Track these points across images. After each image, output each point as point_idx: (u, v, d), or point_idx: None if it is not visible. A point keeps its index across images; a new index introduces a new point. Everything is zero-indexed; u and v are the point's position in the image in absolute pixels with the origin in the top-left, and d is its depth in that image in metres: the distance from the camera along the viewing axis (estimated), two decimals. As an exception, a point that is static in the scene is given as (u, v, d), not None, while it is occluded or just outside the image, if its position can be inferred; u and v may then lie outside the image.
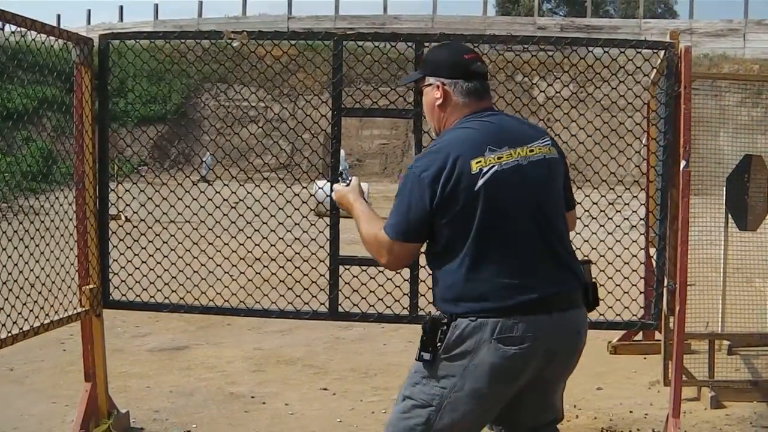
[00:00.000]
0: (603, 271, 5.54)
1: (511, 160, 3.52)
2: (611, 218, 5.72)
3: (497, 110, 3.84)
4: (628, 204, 5.89)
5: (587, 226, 5.58)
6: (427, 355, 3.51)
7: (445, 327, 3.48)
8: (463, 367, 3.45)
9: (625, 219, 5.90)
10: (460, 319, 3.45)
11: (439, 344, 3.48)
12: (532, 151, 3.60)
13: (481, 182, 3.45)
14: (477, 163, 3.47)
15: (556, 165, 3.71)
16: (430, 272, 3.73)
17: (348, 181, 4.00)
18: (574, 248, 3.81)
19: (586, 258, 3.86)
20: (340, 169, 4.22)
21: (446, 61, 3.74)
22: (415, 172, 3.54)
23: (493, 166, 3.48)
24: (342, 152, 5.51)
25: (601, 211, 5.72)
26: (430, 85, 3.76)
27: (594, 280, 3.76)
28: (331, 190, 4.28)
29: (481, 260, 3.47)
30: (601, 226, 5.65)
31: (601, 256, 5.57)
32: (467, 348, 3.43)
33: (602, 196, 5.78)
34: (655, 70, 6.25)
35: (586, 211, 5.58)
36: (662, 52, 5.54)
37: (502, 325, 3.40)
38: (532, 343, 3.42)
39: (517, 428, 3.82)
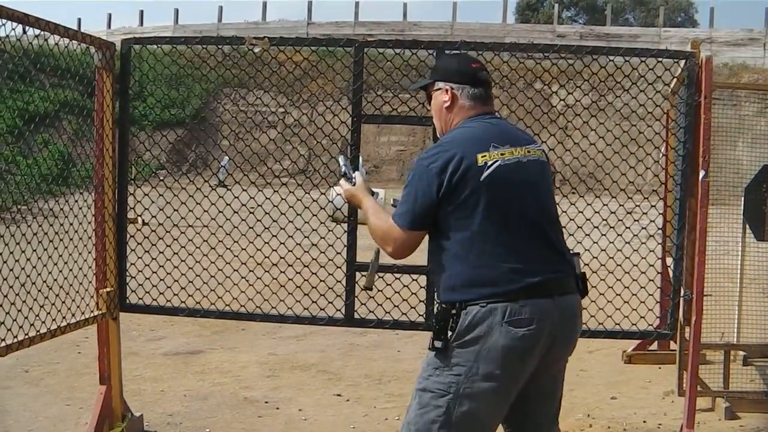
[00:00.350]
0: (620, 280, 5.54)
1: (513, 157, 3.79)
2: (629, 227, 5.71)
3: (498, 115, 4.08)
4: (646, 213, 5.88)
5: (605, 234, 5.58)
6: (439, 343, 3.66)
7: (455, 315, 3.64)
8: (476, 352, 3.60)
9: (642, 228, 5.89)
10: (470, 306, 3.62)
11: (450, 332, 3.64)
12: (529, 152, 3.87)
13: (486, 173, 3.69)
14: (482, 156, 3.72)
15: (547, 168, 4.01)
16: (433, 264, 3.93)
17: (353, 180, 4.26)
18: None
19: (575, 252, 4.02)
20: (343, 170, 4.38)
21: (455, 69, 4.05)
22: (423, 163, 3.77)
23: (497, 161, 3.73)
24: (359, 158, 5.52)
25: (619, 220, 5.72)
26: (439, 89, 4.03)
27: (583, 271, 3.94)
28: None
29: (488, 246, 3.68)
30: (618, 235, 5.64)
31: (618, 265, 5.57)
32: (479, 333, 3.60)
33: (620, 204, 5.78)
34: (675, 80, 6.23)
35: (603, 219, 5.58)
36: (683, 62, 5.53)
37: (511, 309, 3.59)
38: (539, 324, 3.62)
39: (526, 420, 3.96)
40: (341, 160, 4.55)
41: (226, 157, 23.20)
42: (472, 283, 3.66)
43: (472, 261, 3.68)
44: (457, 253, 3.72)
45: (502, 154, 3.76)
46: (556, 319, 3.69)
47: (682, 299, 5.43)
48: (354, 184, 4.26)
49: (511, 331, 3.58)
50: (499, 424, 3.82)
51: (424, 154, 3.85)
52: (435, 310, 3.83)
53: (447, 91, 3.99)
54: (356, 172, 4.30)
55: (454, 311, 3.65)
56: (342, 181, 4.32)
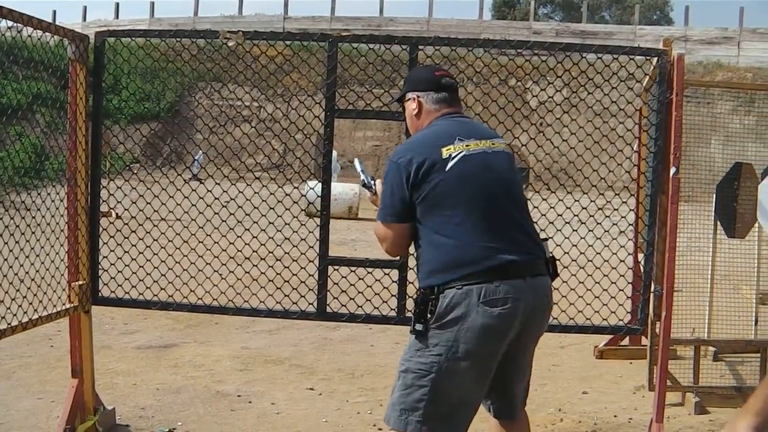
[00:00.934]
0: (591, 275, 5.58)
1: (478, 149, 4.05)
2: (600, 223, 5.75)
3: (465, 115, 4.35)
4: (617, 209, 5.92)
5: (576, 230, 5.62)
6: (419, 326, 3.87)
7: (434, 299, 3.85)
8: (455, 332, 3.82)
9: (614, 224, 5.93)
10: (447, 290, 3.85)
11: (429, 315, 3.86)
12: (494, 144, 4.13)
13: (451, 164, 3.95)
14: (447, 149, 3.99)
15: (512, 159, 4.25)
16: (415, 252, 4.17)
17: (374, 188, 4.57)
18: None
19: (545, 237, 4.28)
20: (362, 177, 4.67)
21: (420, 78, 4.37)
22: (393, 160, 4.08)
23: (461, 152, 3.99)
24: (334, 153, 5.56)
25: (591, 215, 5.74)
26: (409, 99, 4.35)
27: (552, 255, 4.16)
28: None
29: (460, 230, 3.91)
30: (589, 230, 5.67)
31: (589, 260, 5.60)
32: (457, 314, 3.82)
33: (592, 201, 5.81)
34: (647, 77, 6.27)
35: (575, 215, 5.61)
36: (655, 59, 5.56)
37: (486, 290, 3.81)
38: (514, 303, 3.84)
39: (504, 397, 4.25)
40: (357, 165, 4.97)
41: (200, 151, 23.20)
42: (448, 265, 3.87)
43: (446, 245, 3.90)
44: (432, 240, 3.96)
45: (467, 146, 4.02)
46: (530, 299, 3.91)
47: (652, 295, 5.46)
48: (375, 192, 4.55)
49: (487, 310, 3.79)
50: (482, 397, 4.08)
51: (394, 152, 4.14)
52: (415, 296, 4.01)
53: (414, 99, 4.29)
54: (377, 181, 4.53)
55: (432, 296, 3.86)
56: (364, 191, 4.64)
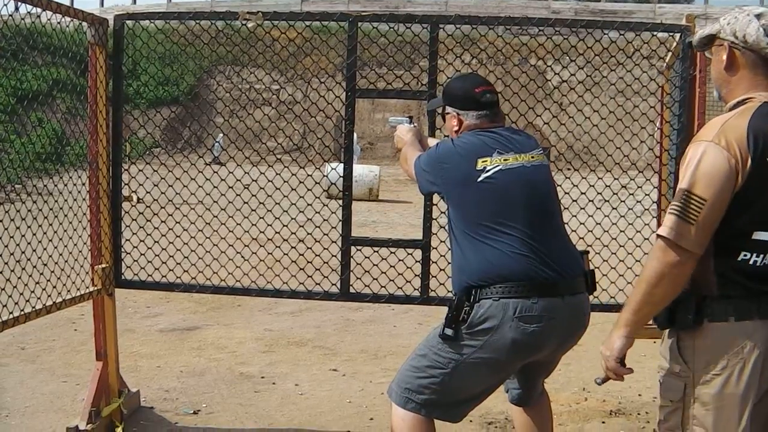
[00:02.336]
0: (614, 253, 5.55)
1: (516, 163, 4.01)
2: (624, 201, 5.71)
3: (507, 127, 4.32)
4: (641, 187, 5.88)
5: (600, 208, 5.59)
6: (449, 331, 3.86)
7: (468, 306, 3.84)
8: (484, 340, 3.82)
9: (637, 202, 5.89)
10: (483, 300, 3.82)
11: (462, 322, 3.85)
12: (533, 157, 4.10)
13: (483, 176, 3.93)
14: (483, 161, 3.97)
15: (549, 171, 4.23)
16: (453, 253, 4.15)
17: (414, 125, 4.77)
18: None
19: (584, 249, 4.25)
20: (406, 118, 4.88)
21: (460, 95, 4.27)
22: (433, 156, 4.18)
23: (498, 166, 3.97)
24: (354, 134, 5.55)
25: (614, 193, 5.71)
26: (449, 113, 4.30)
27: (592, 268, 4.16)
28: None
29: (499, 242, 3.87)
30: (613, 208, 5.64)
31: (613, 238, 5.56)
32: (490, 325, 3.82)
33: (615, 179, 5.78)
34: (670, 54, 6.22)
35: (598, 193, 5.58)
36: (678, 36, 5.51)
37: (522, 305, 3.79)
38: (548, 322, 3.83)
39: (525, 389, 4.38)
40: (400, 118, 4.98)
41: (221, 134, 23.27)
42: (485, 274, 3.86)
43: (484, 254, 3.89)
44: (471, 247, 3.95)
45: (505, 160, 3.98)
46: (567, 316, 3.91)
47: (676, 273, 5.42)
48: (414, 126, 4.74)
49: (521, 326, 3.79)
50: (489, 395, 4.12)
51: (438, 147, 4.22)
52: (450, 301, 4.03)
53: (455, 116, 4.24)
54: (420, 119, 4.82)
55: (468, 304, 3.85)
56: (402, 125, 4.77)
